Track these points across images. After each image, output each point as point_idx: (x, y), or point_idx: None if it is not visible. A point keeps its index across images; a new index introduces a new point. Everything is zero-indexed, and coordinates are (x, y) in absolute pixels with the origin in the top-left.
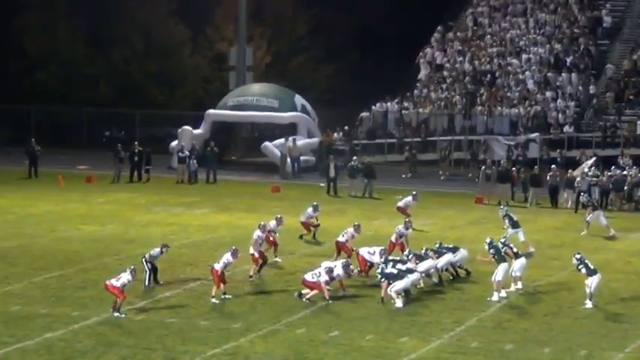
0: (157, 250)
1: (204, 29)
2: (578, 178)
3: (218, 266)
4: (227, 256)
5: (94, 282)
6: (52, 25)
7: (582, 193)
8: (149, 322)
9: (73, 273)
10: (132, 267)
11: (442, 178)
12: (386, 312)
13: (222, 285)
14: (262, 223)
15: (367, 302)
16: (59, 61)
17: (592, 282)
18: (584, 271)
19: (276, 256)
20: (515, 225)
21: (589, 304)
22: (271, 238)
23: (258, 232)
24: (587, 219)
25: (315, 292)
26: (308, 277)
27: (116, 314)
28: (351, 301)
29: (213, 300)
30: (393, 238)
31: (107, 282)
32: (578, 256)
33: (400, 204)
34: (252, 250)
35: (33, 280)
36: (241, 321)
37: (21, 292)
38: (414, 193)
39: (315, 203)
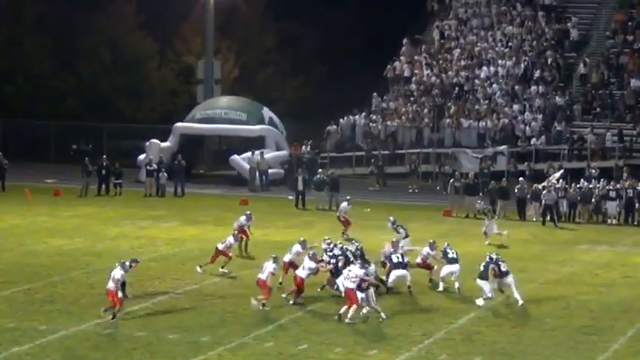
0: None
1: (172, 42)
2: (545, 191)
3: (264, 276)
4: (271, 265)
5: (62, 296)
6: (19, 38)
7: (479, 202)
8: (117, 336)
9: (41, 287)
10: (121, 261)
11: (410, 191)
12: (355, 325)
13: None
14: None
15: (335, 315)
16: (26, 74)
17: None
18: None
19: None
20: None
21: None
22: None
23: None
24: (485, 230)
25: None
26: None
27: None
28: (319, 315)
29: (266, 308)
30: (419, 260)
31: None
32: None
33: (339, 214)
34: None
35: (0, 293)
36: (210, 334)
37: None
38: (348, 198)
39: (248, 212)
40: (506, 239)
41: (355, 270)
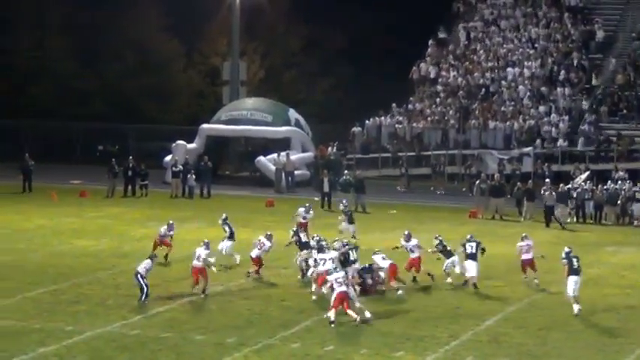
0: (148, 262)
1: (198, 44)
2: (546, 193)
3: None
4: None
5: (88, 297)
6: (44, 40)
7: (343, 201)
8: (144, 337)
9: (67, 288)
10: (206, 240)
11: (438, 193)
12: (381, 326)
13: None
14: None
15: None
16: (51, 76)
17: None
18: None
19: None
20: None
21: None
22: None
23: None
24: (341, 228)
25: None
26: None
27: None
28: (345, 316)
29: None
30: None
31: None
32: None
33: (299, 218)
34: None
35: (26, 294)
36: (236, 335)
37: (14, 306)
38: (307, 204)
39: (170, 222)
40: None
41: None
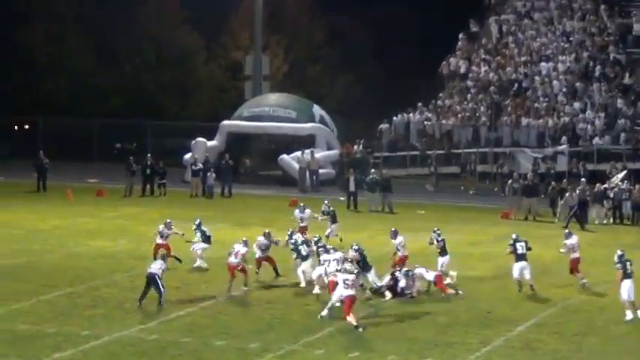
0: (160, 262)
1: (219, 37)
2: (567, 194)
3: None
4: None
5: (105, 300)
6: (60, 35)
7: (325, 201)
8: (163, 342)
9: (83, 290)
10: (244, 239)
11: (470, 192)
12: (408, 331)
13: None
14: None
15: (389, 322)
16: (67, 71)
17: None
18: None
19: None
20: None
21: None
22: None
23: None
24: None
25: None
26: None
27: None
28: (371, 321)
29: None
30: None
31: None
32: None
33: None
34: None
35: (41, 297)
36: (258, 341)
37: (29, 310)
38: (301, 205)
39: (168, 220)
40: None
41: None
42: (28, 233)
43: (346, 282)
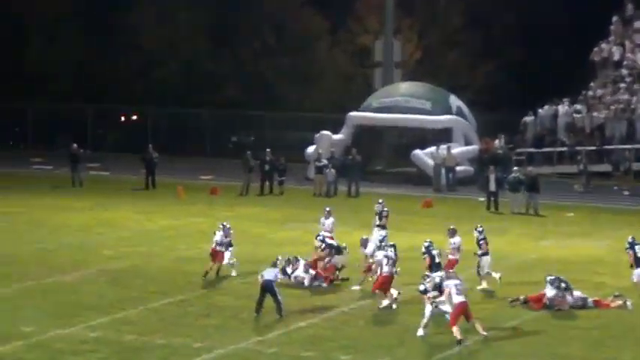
0: (274, 269)
1: (345, 20)
2: None
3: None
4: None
5: (219, 309)
6: (171, 17)
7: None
8: (282, 356)
9: (195, 298)
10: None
11: (624, 193)
12: (558, 348)
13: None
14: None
15: (534, 337)
16: (179, 57)
17: None
18: None
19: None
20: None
21: None
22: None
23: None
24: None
25: None
26: None
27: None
28: (510, 334)
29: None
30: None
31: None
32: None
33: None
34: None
35: (149, 305)
36: (387, 356)
37: (135, 319)
38: (327, 209)
39: (227, 225)
40: None
41: None
42: (135, 234)
43: (457, 287)
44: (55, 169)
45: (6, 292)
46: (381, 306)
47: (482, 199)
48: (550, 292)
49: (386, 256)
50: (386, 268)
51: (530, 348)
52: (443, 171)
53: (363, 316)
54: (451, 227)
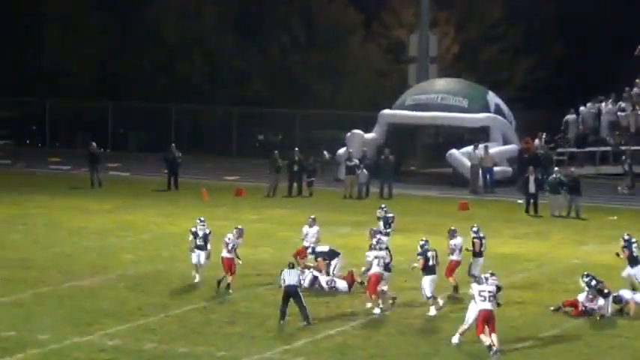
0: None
1: (379, 13)
2: None
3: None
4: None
5: (244, 316)
6: (195, 9)
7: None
8: None
9: (219, 305)
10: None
11: None
12: (595, 357)
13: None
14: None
15: (574, 345)
16: (203, 51)
17: None
18: None
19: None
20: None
21: None
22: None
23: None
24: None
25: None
26: None
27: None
28: (545, 341)
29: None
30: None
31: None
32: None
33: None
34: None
35: (170, 312)
36: None
37: (157, 326)
38: (312, 217)
39: (240, 227)
40: None
41: None
42: (157, 238)
43: (482, 294)
44: (73, 169)
45: (22, 298)
46: (375, 311)
47: (521, 201)
48: (581, 296)
49: (376, 257)
50: (376, 268)
51: (569, 357)
52: (480, 172)
53: (393, 323)
54: (452, 228)
